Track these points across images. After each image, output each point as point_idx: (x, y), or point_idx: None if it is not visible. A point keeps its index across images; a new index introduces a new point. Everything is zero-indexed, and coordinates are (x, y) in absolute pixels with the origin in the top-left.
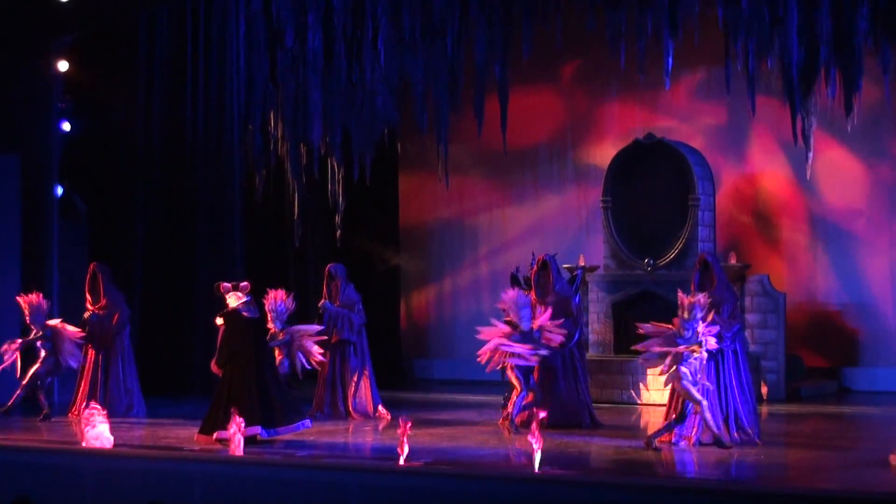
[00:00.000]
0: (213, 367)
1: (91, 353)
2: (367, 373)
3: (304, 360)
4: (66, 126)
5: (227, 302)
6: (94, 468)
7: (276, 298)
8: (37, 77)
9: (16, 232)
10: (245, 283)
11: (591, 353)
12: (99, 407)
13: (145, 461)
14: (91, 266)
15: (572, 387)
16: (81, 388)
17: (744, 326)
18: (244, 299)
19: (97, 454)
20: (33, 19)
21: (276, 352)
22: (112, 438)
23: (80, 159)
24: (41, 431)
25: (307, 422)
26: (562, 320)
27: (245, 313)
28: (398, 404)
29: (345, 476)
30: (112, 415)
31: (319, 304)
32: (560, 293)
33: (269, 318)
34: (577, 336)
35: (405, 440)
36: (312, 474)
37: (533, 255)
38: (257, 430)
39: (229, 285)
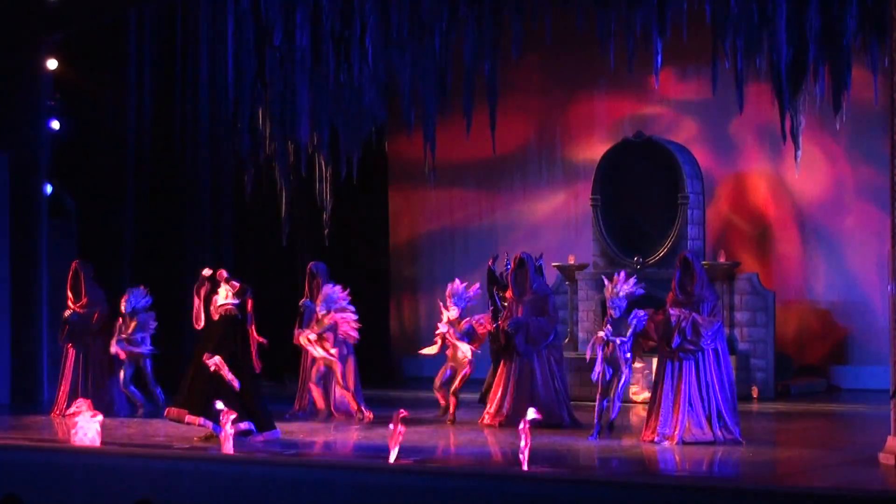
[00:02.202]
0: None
1: (71, 351)
2: (350, 372)
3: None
4: (55, 124)
5: (218, 289)
6: (83, 466)
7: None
8: (26, 75)
9: (4, 230)
10: (236, 283)
11: (580, 352)
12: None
13: (134, 459)
14: (73, 264)
15: (550, 386)
16: (62, 387)
17: (724, 324)
18: (234, 301)
19: (86, 452)
20: (22, 17)
21: None
22: (99, 436)
23: (69, 157)
24: (30, 430)
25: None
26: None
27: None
28: (387, 402)
29: (333, 474)
30: None
31: (300, 303)
32: (537, 292)
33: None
34: (552, 335)
35: (397, 438)
36: (301, 472)
37: (506, 254)
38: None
39: (226, 275)
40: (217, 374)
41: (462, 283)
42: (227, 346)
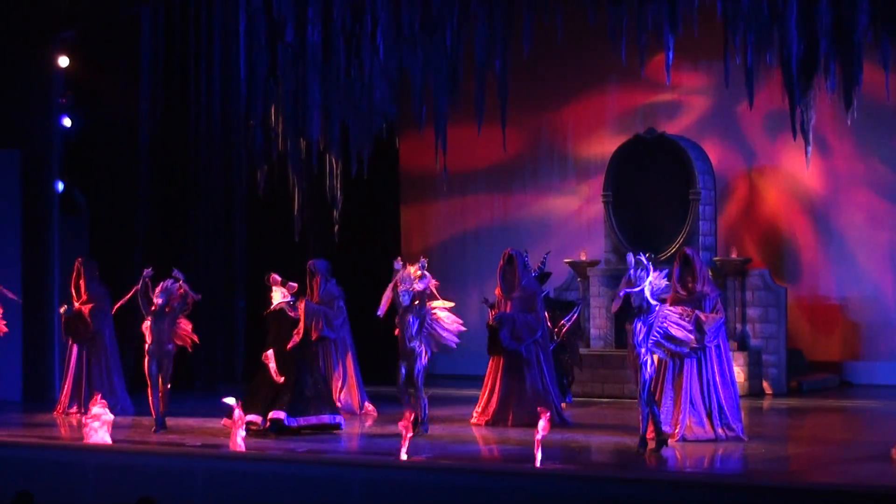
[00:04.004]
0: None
1: (74, 349)
2: (351, 369)
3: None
4: (67, 121)
5: (272, 295)
6: (95, 464)
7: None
8: (37, 72)
9: (16, 227)
10: (293, 284)
11: (593, 348)
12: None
13: (146, 457)
14: (76, 262)
15: (537, 384)
16: (65, 386)
17: (736, 321)
18: (288, 299)
19: (99, 450)
20: (34, 14)
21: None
22: (110, 434)
23: (81, 155)
24: (41, 427)
25: (335, 417)
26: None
27: (290, 313)
28: (398, 400)
29: (346, 471)
30: None
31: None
32: (526, 288)
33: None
34: (539, 332)
35: (407, 436)
36: (314, 470)
37: (525, 252)
38: (282, 415)
39: (279, 279)
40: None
41: (405, 267)
42: (277, 340)
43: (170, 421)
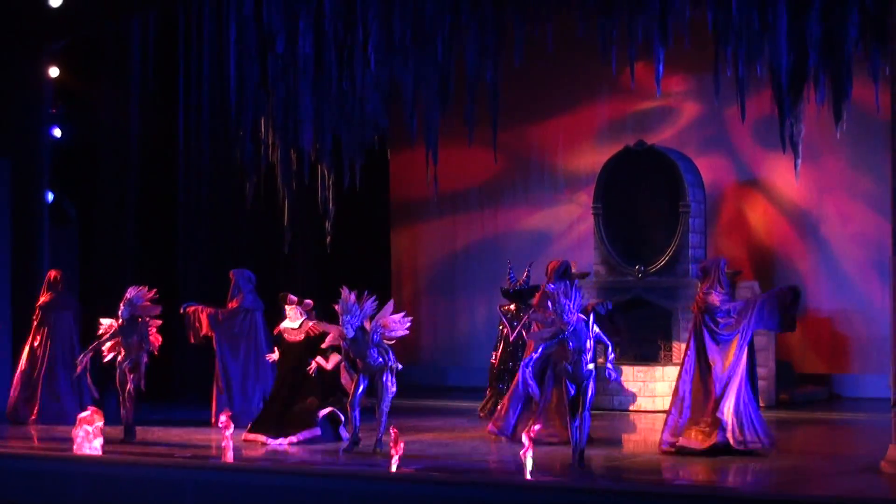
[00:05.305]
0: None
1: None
2: None
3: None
4: (57, 132)
5: (287, 314)
6: (83, 474)
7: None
8: (28, 82)
9: (6, 237)
10: (308, 301)
11: None
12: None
13: (135, 467)
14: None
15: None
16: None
17: None
18: (302, 318)
19: (87, 461)
20: (24, 25)
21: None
22: (100, 444)
23: (71, 165)
24: (29, 438)
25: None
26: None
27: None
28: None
29: (336, 483)
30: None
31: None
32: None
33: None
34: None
35: (396, 447)
36: (304, 481)
37: (510, 265)
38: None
39: (295, 299)
40: (294, 390)
41: (351, 293)
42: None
43: (160, 431)
